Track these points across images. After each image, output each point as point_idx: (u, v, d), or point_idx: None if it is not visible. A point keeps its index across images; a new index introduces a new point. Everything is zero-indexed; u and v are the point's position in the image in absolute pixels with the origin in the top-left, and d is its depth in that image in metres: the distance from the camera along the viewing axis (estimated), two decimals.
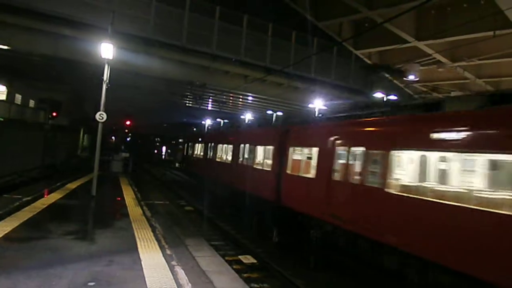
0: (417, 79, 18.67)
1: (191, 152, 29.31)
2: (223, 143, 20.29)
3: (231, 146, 18.88)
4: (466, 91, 21.50)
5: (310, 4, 17.75)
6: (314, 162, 11.47)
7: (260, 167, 15.47)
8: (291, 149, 12.95)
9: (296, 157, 12.83)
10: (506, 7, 11.57)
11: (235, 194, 17.52)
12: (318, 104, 25.25)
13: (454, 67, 17.96)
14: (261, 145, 15.82)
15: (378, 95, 22.74)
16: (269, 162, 14.77)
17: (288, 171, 12.86)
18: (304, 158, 12.26)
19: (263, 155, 15.58)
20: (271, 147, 14.62)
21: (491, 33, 13.88)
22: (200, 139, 26.73)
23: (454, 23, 14.98)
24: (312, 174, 11.51)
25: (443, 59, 17.40)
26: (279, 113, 35.68)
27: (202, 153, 24.94)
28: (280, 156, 13.52)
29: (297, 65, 22.89)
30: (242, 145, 17.38)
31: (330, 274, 10.68)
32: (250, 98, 32.11)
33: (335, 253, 10.94)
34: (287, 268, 10.88)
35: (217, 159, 21.03)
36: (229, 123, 41.23)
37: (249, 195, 15.65)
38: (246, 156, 16.97)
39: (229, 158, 19.04)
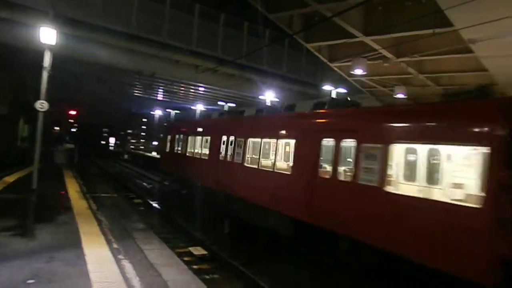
0: (365, 73, 19.28)
1: (180, 149, 20.64)
2: (270, 137, 12.64)
3: (292, 141, 11.35)
4: (409, 85, 22.56)
5: None
6: None
7: (424, 196, 7.27)
8: None
9: None
10: (445, 7, 12.18)
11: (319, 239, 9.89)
12: (269, 96, 25.50)
13: (398, 63, 18.74)
14: (419, 141, 7.61)
15: (327, 87, 23.36)
16: (465, 183, 6.98)
17: None
18: None
19: (434, 168, 7.48)
20: (479, 151, 6.52)
21: (432, 30, 14.60)
22: (201, 130, 18.39)
23: (399, 20, 15.60)
24: None
25: (388, 55, 18.08)
26: (231, 105, 35.68)
27: (207, 152, 16.79)
28: None
29: (250, 57, 22.91)
30: (333, 143, 9.48)
31: (280, 263, 10.86)
32: (201, 88, 31.82)
33: (286, 243, 11.18)
34: (237, 258, 10.94)
35: (249, 164, 13.24)
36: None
37: (374, 249, 8.03)
38: (349, 163, 9.24)
39: (292, 165, 11.02)
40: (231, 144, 14.46)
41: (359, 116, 9.76)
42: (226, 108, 34.58)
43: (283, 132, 11.84)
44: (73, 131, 71.98)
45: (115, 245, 8.04)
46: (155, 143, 66.36)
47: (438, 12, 13.04)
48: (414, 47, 17.25)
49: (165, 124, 35.71)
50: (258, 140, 12.92)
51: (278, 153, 12.09)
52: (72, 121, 65.37)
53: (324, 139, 9.70)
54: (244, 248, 12.18)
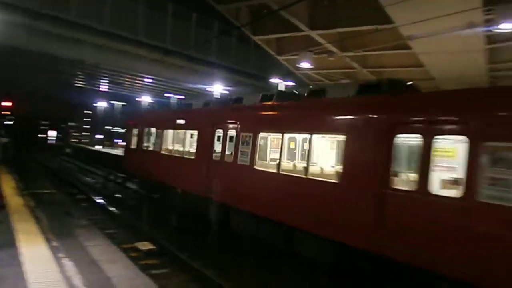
0: (312, 66, 19.70)
1: (153, 145, 16.76)
2: (299, 131, 9.90)
3: (341, 138, 8.30)
4: (353, 79, 23.38)
5: None
6: None
7: None
8: None
9: None
10: (386, 4, 12.76)
11: None
12: (217, 88, 25.41)
13: (343, 57, 19.34)
14: None
15: (275, 80, 23.64)
16: None
17: None
18: None
19: None
20: None
21: (374, 27, 15.22)
22: (184, 122, 14.79)
23: (344, 15, 16.10)
24: None
25: (333, 49, 18.60)
26: (179, 97, 35.13)
27: (194, 150, 13.53)
28: None
29: (198, 48, 22.67)
30: (418, 140, 6.83)
31: (229, 255, 10.88)
32: (148, 80, 31.06)
33: (235, 235, 11.21)
34: (186, 252, 10.84)
35: (263, 168, 10.28)
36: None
37: None
38: None
39: None
40: (231, 141, 11.35)
41: (476, 102, 6.37)
42: (173, 100, 33.90)
43: (324, 125, 8.76)
44: (8, 124, 67.50)
45: (54, 243, 7.66)
46: (99, 136, 63.90)
47: (379, 9, 13.60)
48: (358, 42, 17.86)
49: (131, 115, 27.52)
50: (277, 135, 10.10)
51: (313, 154, 9.16)
52: (8, 113, 61.28)
53: (400, 135, 6.92)
54: (194, 242, 12.08)
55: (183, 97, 35.99)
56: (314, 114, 9.22)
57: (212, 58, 25.15)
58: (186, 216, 13.50)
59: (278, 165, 9.51)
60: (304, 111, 9.65)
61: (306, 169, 8.76)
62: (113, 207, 16.51)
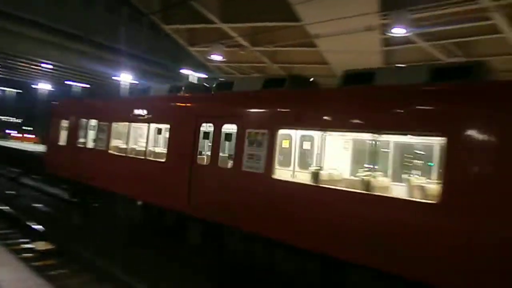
0: (225, 59, 19.77)
1: (94, 142, 13.12)
2: (355, 128, 7.00)
3: (439, 141, 6.07)
4: (264, 73, 23.99)
5: None
6: None
7: None
8: None
9: None
10: (295, 3, 13.32)
11: None
12: (125, 78, 24.32)
13: (254, 51, 19.72)
14: None
15: (187, 71, 23.28)
16: None
17: None
18: None
19: None
20: None
21: (284, 23, 15.75)
22: (146, 112, 11.06)
23: (255, 10, 16.40)
24: None
25: (244, 43, 18.86)
26: (84, 85, 32.98)
27: (165, 151, 10.30)
28: None
29: (105, 34, 21.45)
30: None
31: (138, 251, 10.52)
32: (47, 65, 28.61)
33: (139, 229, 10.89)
34: (90, 250, 10.24)
35: (286, 178, 7.85)
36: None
37: None
38: None
39: None
40: (227, 139, 8.84)
41: None
42: (76, 88, 31.66)
43: (402, 122, 6.17)
44: None
45: None
46: None
47: (290, 6, 14.11)
48: (269, 38, 18.33)
49: (57, 101, 19.94)
50: (312, 134, 7.91)
51: (381, 159, 7.21)
52: None
53: None
54: (98, 239, 11.45)
55: (88, 85, 33.81)
56: (380, 106, 6.55)
57: (120, 46, 23.94)
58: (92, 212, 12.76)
59: (316, 175, 7.09)
60: (361, 102, 6.90)
61: (367, 182, 6.36)
62: (4, 205, 14.94)
